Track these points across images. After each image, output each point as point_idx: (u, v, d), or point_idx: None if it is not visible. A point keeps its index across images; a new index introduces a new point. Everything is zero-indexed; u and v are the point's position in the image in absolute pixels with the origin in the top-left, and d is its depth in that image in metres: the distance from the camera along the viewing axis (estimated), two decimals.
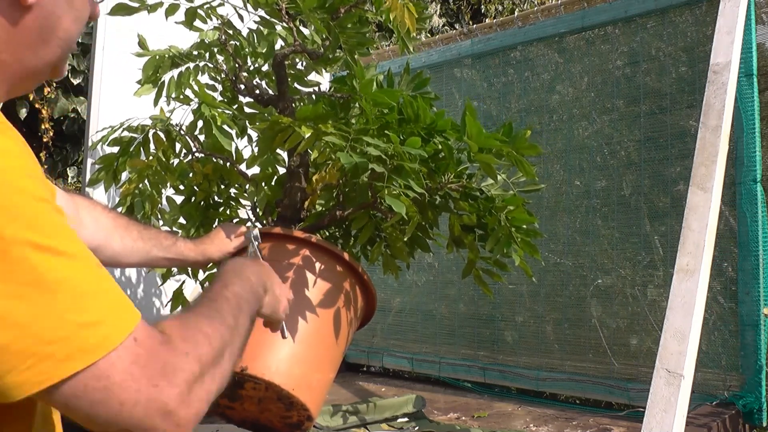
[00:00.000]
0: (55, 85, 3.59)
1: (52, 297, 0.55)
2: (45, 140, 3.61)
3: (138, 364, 0.59)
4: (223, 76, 1.73)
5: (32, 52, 0.68)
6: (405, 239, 1.46)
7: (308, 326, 1.28)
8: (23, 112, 3.58)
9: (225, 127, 1.47)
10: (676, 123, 2.32)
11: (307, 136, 1.27)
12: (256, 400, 1.28)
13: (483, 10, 6.14)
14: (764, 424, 2.07)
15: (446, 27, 6.06)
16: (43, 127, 3.58)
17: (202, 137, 1.67)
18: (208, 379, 0.67)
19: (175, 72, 1.73)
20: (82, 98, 3.67)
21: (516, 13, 2.82)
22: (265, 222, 1.63)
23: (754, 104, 2.14)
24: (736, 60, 1.95)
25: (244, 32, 1.77)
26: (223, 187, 1.76)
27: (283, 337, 1.11)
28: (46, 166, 3.71)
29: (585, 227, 2.50)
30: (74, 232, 0.60)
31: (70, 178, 3.73)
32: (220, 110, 1.45)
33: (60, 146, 3.83)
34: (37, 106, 3.56)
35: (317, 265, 1.33)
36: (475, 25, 2.97)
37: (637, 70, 2.43)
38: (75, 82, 3.63)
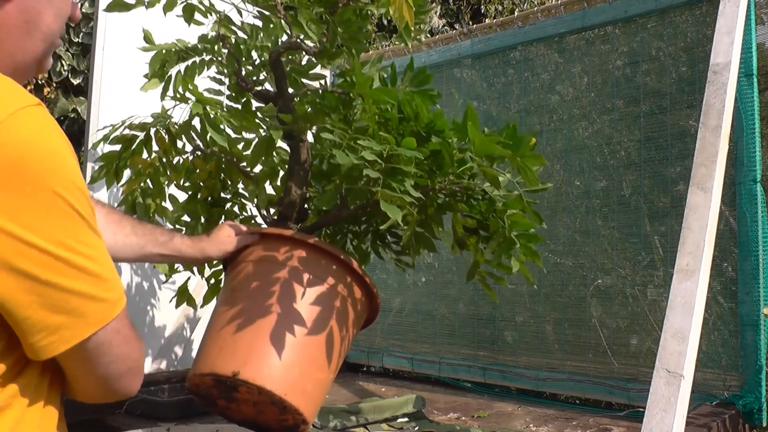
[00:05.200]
0: (55, 85, 3.59)
1: (85, 271, 0.70)
2: None
3: (128, 324, 0.78)
4: (228, 70, 1.72)
5: (18, 45, 0.73)
6: (402, 243, 1.45)
7: (302, 330, 1.27)
8: None
9: (222, 125, 1.46)
10: (676, 123, 2.32)
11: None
12: (252, 403, 1.28)
13: (483, 10, 6.14)
14: (764, 424, 2.07)
15: (446, 27, 6.06)
16: None
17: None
18: None
19: (182, 66, 1.72)
20: (82, 98, 3.67)
21: (516, 13, 2.82)
22: (267, 220, 1.63)
23: (754, 104, 2.14)
24: (736, 60, 1.95)
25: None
26: (230, 183, 1.75)
27: None
28: None
29: (585, 227, 2.50)
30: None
31: None
32: (210, 107, 1.44)
33: None
34: None
35: (314, 267, 1.32)
36: (475, 25, 2.97)
37: (637, 70, 2.43)
38: (75, 82, 3.63)
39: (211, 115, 1.58)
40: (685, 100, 2.31)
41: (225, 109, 1.68)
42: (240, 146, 1.74)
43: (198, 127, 1.66)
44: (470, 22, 6.04)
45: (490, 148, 1.24)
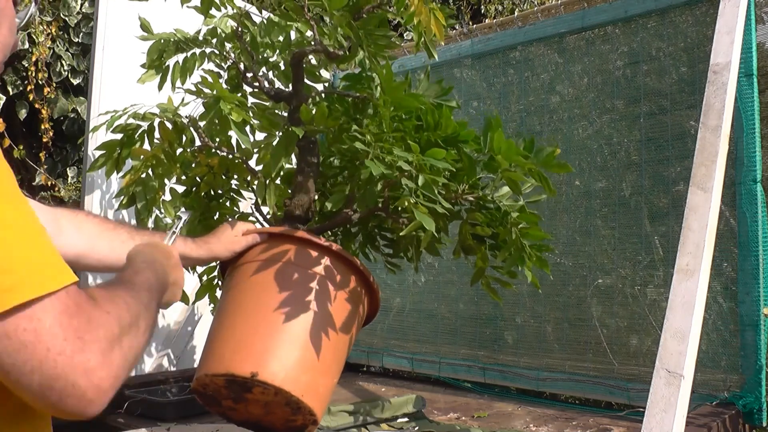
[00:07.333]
0: (55, 85, 3.59)
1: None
2: (45, 140, 3.60)
3: (67, 314, 0.62)
4: (229, 63, 1.69)
5: None
6: (421, 249, 1.46)
7: (316, 333, 1.27)
8: (23, 113, 3.58)
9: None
10: (677, 123, 2.32)
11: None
12: (262, 404, 1.28)
13: (483, 10, 6.14)
14: (764, 424, 2.07)
15: (446, 27, 6.05)
16: (42, 127, 3.58)
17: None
18: (126, 344, 0.70)
19: (180, 57, 1.68)
20: (82, 98, 3.67)
21: (516, 13, 2.82)
22: (272, 220, 1.63)
23: (754, 104, 2.14)
24: (736, 60, 1.95)
25: (258, 21, 1.72)
26: (224, 178, 1.73)
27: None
28: (45, 167, 3.71)
29: (585, 227, 2.50)
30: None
31: (70, 178, 3.73)
32: (236, 105, 1.41)
33: (60, 146, 3.83)
34: (36, 106, 3.55)
35: (333, 273, 1.33)
36: (474, 25, 2.97)
37: (637, 71, 2.43)
38: (75, 82, 3.63)
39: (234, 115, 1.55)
40: (685, 100, 2.31)
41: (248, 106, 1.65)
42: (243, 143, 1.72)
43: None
44: (470, 22, 6.04)
45: (515, 158, 1.26)
